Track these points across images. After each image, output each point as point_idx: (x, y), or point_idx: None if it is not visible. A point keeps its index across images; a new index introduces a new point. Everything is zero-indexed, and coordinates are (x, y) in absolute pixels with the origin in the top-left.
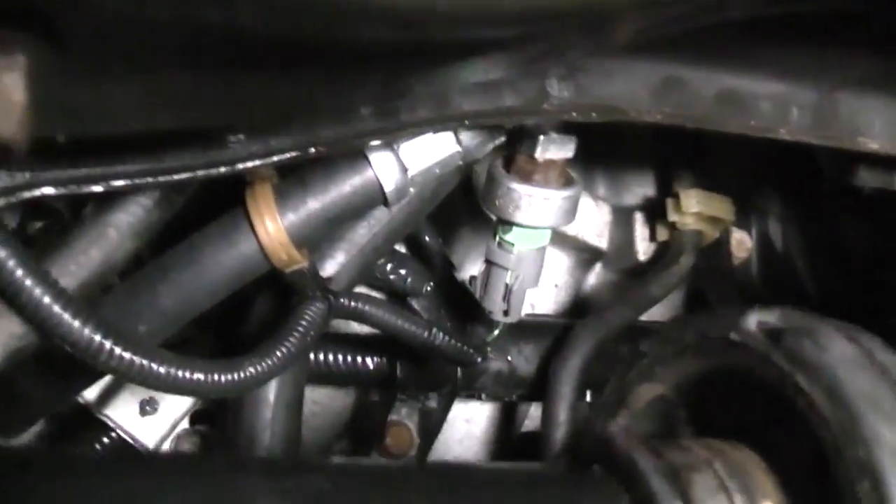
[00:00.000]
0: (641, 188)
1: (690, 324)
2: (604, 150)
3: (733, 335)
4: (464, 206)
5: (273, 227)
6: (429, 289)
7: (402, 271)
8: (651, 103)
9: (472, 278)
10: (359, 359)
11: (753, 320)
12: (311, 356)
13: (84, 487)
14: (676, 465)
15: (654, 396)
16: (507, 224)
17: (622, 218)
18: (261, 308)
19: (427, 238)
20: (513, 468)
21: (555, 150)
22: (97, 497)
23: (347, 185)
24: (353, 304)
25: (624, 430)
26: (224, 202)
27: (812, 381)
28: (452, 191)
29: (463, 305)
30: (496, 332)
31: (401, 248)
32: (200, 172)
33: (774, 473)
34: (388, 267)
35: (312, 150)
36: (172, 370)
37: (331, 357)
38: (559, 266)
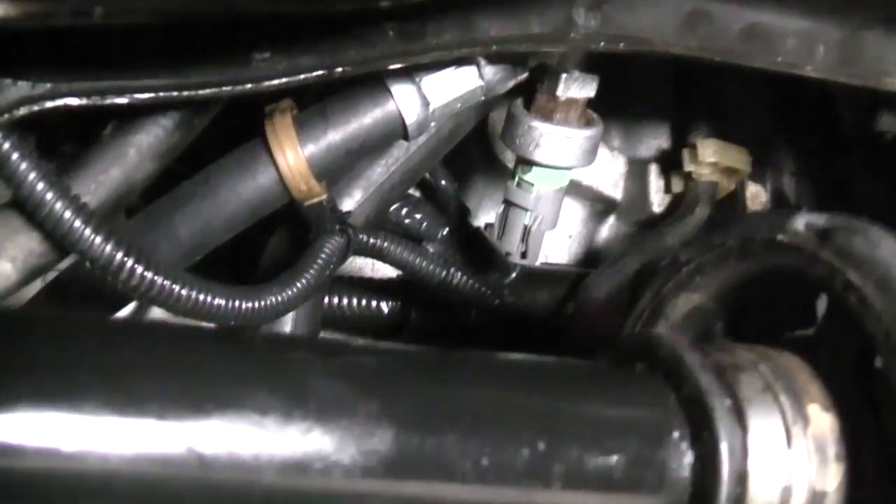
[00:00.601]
0: (656, 140)
1: (735, 228)
2: (619, 101)
3: (781, 236)
4: (479, 154)
5: (293, 156)
6: (444, 234)
7: (418, 216)
8: (677, 36)
9: (488, 225)
10: (373, 303)
11: (802, 221)
12: (325, 299)
13: (121, 353)
14: (723, 365)
15: (692, 307)
16: (527, 163)
17: (637, 169)
18: (276, 245)
19: (443, 183)
20: (558, 362)
21: (576, 88)
22: (139, 364)
23: (368, 117)
24: (371, 240)
25: (667, 330)
26: (243, 135)
27: (864, 276)
28: (468, 140)
29: (477, 251)
30: (513, 275)
31: (416, 194)
32: (225, 89)
33: (818, 378)
34: (404, 211)
35: (339, 70)
36: (194, 293)
37: (344, 300)
38: (573, 217)
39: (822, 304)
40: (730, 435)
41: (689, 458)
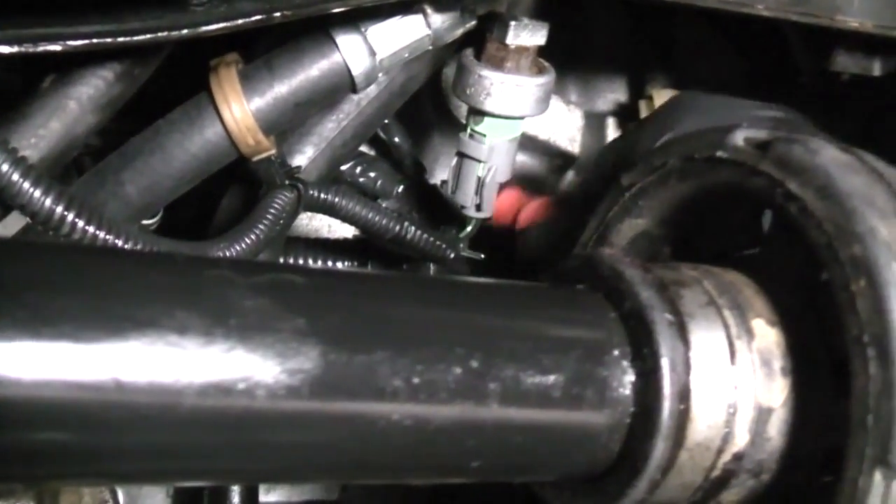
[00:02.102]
0: (613, 94)
1: (675, 147)
2: (575, 55)
3: (720, 153)
4: (434, 111)
5: (239, 110)
6: (399, 191)
7: (372, 173)
8: None
9: (443, 182)
10: (328, 263)
11: (741, 136)
12: (280, 260)
13: (33, 273)
14: (665, 280)
15: (637, 233)
16: (479, 114)
17: (594, 123)
18: (229, 203)
19: (397, 139)
20: (495, 282)
21: (526, 36)
22: (51, 284)
23: (315, 69)
24: (323, 195)
25: (609, 250)
26: (190, 90)
27: (803, 184)
28: (422, 96)
29: (434, 207)
30: (469, 228)
31: (371, 152)
32: (161, 35)
33: (764, 294)
34: (358, 169)
35: (278, 14)
36: (139, 247)
37: (300, 261)
38: (531, 172)
39: (766, 224)
40: (671, 350)
41: (630, 375)
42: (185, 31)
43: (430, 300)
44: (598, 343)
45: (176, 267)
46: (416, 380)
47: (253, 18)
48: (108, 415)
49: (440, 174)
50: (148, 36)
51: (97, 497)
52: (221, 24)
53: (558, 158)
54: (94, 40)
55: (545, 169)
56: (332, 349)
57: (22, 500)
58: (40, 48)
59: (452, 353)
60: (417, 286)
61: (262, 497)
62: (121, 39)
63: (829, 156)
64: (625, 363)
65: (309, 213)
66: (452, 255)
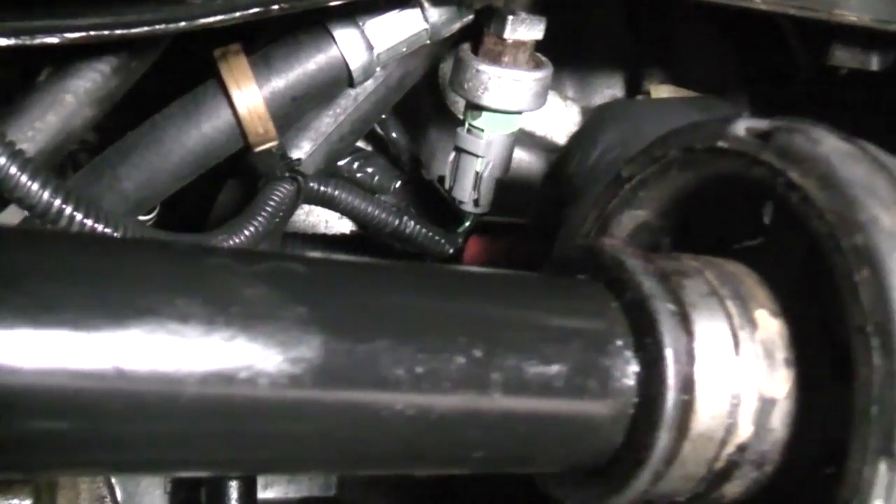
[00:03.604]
0: (610, 89)
1: (675, 138)
2: (572, 50)
3: (721, 143)
4: (431, 107)
5: (251, 96)
6: (397, 186)
7: (370, 169)
8: None
9: (441, 178)
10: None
11: (742, 126)
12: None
13: (33, 260)
14: (667, 270)
15: (637, 224)
16: (477, 109)
17: None
18: (226, 197)
19: (394, 135)
20: (497, 273)
21: (524, 30)
22: (52, 271)
23: (312, 63)
24: (322, 187)
25: (610, 240)
26: (183, 85)
27: (805, 174)
28: (419, 92)
29: (431, 202)
30: (466, 223)
31: (368, 148)
32: (159, 28)
33: (766, 285)
34: (356, 165)
35: (276, 7)
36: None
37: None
38: (528, 167)
39: (768, 215)
40: (675, 340)
41: (633, 366)
42: (182, 24)
43: (432, 289)
44: (601, 333)
45: (176, 255)
46: (418, 369)
47: (251, 11)
48: (110, 403)
49: (437, 169)
50: (145, 29)
51: (95, 492)
52: (219, 17)
53: (555, 154)
54: (92, 33)
55: (542, 165)
56: (333, 338)
57: (20, 496)
58: (38, 40)
59: (455, 342)
60: (419, 275)
61: (259, 493)
62: (118, 32)
63: (831, 145)
64: (627, 353)
65: (306, 209)
66: (451, 251)
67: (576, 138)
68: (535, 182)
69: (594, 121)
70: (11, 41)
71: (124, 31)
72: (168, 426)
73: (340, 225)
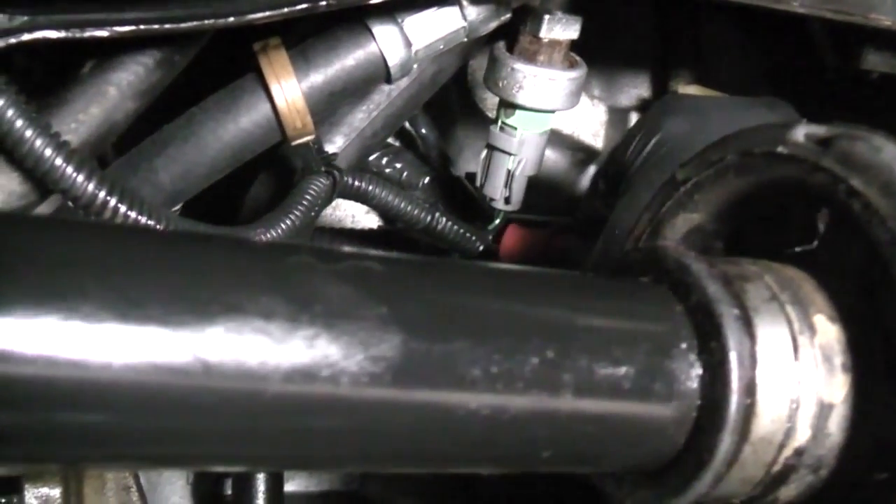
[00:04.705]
0: (636, 89)
1: (733, 142)
2: (599, 50)
3: (780, 148)
4: (459, 103)
5: (291, 89)
6: (426, 182)
7: (399, 164)
8: None
9: (468, 174)
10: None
11: (801, 132)
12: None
13: (121, 256)
14: (729, 275)
15: (691, 227)
16: (511, 107)
17: (618, 118)
18: (258, 191)
19: (423, 131)
20: (566, 274)
21: (560, 29)
22: (139, 267)
23: (351, 59)
24: (357, 182)
25: (672, 244)
26: (220, 80)
27: (868, 181)
28: (448, 89)
29: (460, 199)
30: (497, 221)
31: (397, 143)
32: (207, 22)
33: (823, 290)
34: (385, 160)
35: (323, 3)
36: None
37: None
38: (554, 166)
39: (822, 221)
40: (738, 344)
41: (697, 369)
42: (230, 19)
43: (506, 290)
44: (666, 336)
45: (259, 252)
46: (494, 369)
47: (298, 7)
48: (196, 399)
49: (464, 166)
50: (194, 23)
51: (121, 482)
52: (266, 13)
53: (581, 153)
54: (141, 27)
55: (568, 163)
56: (413, 338)
57: (49, 484)
58: (87, 34)
59: (529, 343)
60: (492, 276)
61: None
62: (167, 26)
63: (893, 153)
64: (692, 356)
65: (333, 203)
66: (481, 248)
67: (637, 125)
68: (561, 180)
69: (658, 109)
70: (62, 34)
71: (173, 26)
72: (251, 422)
73: (367, 220)
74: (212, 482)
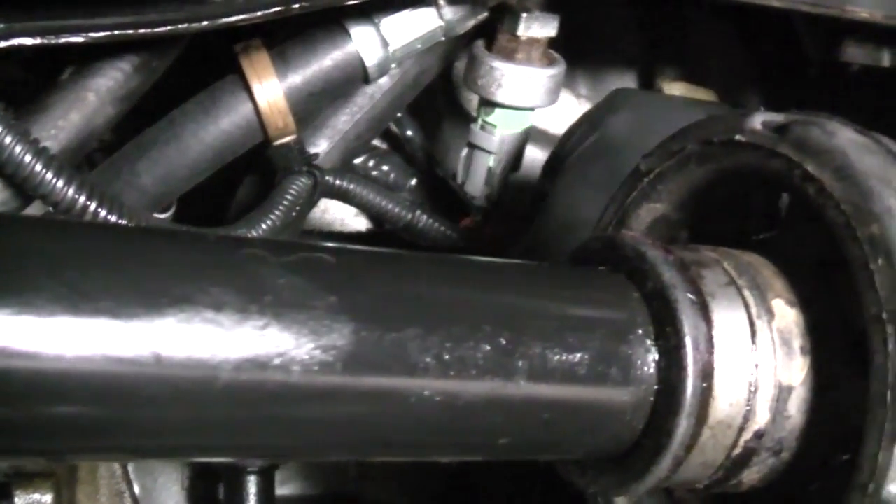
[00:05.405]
0: (623, 85)
1: (693, 132)
2: (585, 48)
3: (738, 136)
4: (445, 105)
5: (273, 89)
6: (412, 183)
7: (385, 167)
8: None
9: (454, 174)
10: None
11: (759, 120)
12: None
13: (72, 250)
14: (686, 261)
15: (655, 217)
16: (490, 105)
17: None
18: (245, 193)
19: (409, 133)
20: (520, 263)
21: (537, 27)
22: (90, 260)
23: (328, 59)
24: (338, 181)
25: (630, 233)
26: (201, 83)
27: (821, 166)
28: (433, 90)
29: (446, 199)
30: (478, 219)
31: (383, 146)
32: (182, 27)
33: (782, 275)
34: (371, 163)
35: (297, 6)
36: None
37: None
38: (540, 164)
39: (783, 207)
40: (694, 328)
41: (654, 354)
42: (204, 23)
43: (458, 278)
44: (622, 322)
45: (210, 245)
46: (446, 356)
47: (272, 10)
48: (147, 389)
49: (451, 167)
50: (168, 28)
51: (113, 488)
52: (241, 16)
53: None
54: (116, 32)
55: None
56: (363, 326)
57: (41, 490)
58: (62, 40)
59: (481, 330)
60: (445, 264)
61: (277, 490)
62: (141, 31)
63: (847, 137)
64: (648, 342)
65: (323, 207)
66: (464, 245)
67: (581, 119)
68: None
69: (603, 104)
70: (37, 40)
71: (148, 31)
72: (203, 411)
73: (356, 223)
74: (206, 485)
